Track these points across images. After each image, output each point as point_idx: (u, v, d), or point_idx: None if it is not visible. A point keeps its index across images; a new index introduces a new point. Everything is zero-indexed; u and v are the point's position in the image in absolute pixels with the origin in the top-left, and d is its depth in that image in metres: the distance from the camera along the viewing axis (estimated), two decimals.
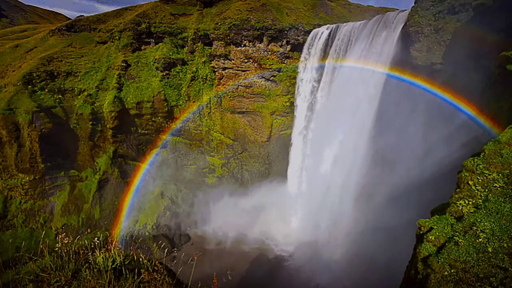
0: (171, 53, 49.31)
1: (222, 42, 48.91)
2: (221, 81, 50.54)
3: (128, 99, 46.15)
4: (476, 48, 21.87)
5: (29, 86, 41.82)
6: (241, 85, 49.74)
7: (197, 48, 50.57)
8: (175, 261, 35.28)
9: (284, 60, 48.26)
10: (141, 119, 47.53)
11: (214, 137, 51.29)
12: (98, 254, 5.38)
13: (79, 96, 44.65)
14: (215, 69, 50.38)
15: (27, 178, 40.74)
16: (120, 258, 5.40)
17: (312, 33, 44.30)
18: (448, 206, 10.59)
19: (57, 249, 5.57)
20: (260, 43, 47.88)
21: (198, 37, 49.84)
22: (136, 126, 47.53)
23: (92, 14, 56.20)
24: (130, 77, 47.86)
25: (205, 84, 50.47)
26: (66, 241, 5.82)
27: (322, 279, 33.41)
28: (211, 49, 49.94)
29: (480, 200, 9.95)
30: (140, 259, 5.73)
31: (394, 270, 15.50)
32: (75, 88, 44.86)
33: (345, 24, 39.12)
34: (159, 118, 48.30)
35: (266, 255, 39.68)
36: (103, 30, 51.18)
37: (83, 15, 61.01)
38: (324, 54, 41.30)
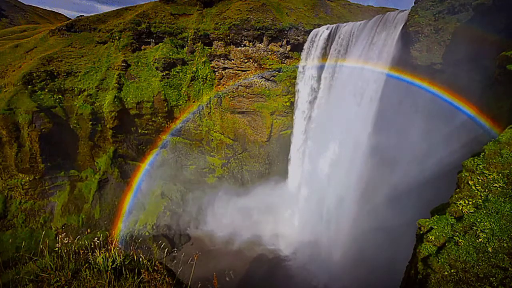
0: (171, 53, 49.30)
1: (222, 42, 48.90)
2: (221, 81, 50.53)
3: (128, 99, 46.15)
4: (476, 48, 21.83)
5: (29, 86, 41.82)
6: (241, 85, 49.71)
7: (197, 48, 50.56)
8: (175, 261, 35.26)
9: (284, 60, 48.25)
10: (141, 119, 47.54)
11: (214, 137, 51.28)
12: (98, 254, 5.39)
13: (79, 96, 44.66)
14: (215, 69, 50.36)
15: (27, 178, 40.73)
16: (120, 258, 5.40)
17: (312, 33, 44.30)
18: (448, 206, 10.58)
19: (57, 249, 5.57)
20: (260, 43, 47.86)
21: (198, 37, 49.83)
22: (136, 126, 47.53)
23: (92, 14, 56.30)
24: (130, 77, 47.85)
25: (205, 84, 50.46)
26: (66, 241, 5.82)
27: (322, 279, 33.41)
28: (211, 49, 49.93)
29: (480, 200, 9.94)
30: (140, 259, 5.74)
31: (394, 270, 15.50)
32: (75, 88, 44.86)
33: (345, 24, 39.11)
34: (159, 118, 48.29)
35: (266, 255, 39.67)
36: (103, 30, 51.17)
37: (83, 15, 60.88)
38: (324, 54, 41.31)
